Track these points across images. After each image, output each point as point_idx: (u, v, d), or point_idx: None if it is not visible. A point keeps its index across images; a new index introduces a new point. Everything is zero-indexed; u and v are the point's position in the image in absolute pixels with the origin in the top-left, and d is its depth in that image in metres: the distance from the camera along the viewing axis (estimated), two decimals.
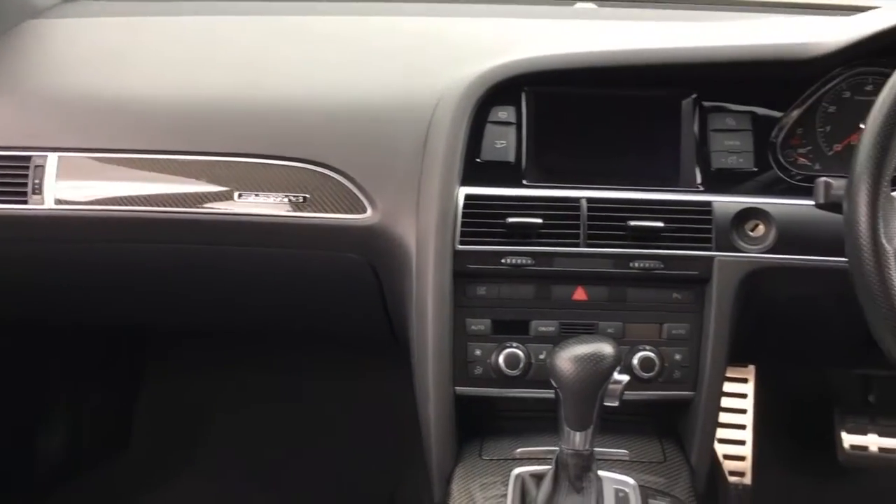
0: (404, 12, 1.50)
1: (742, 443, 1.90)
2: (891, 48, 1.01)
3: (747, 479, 1.88)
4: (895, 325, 0.86)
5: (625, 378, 1.01)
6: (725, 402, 1.90)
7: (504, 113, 1.20)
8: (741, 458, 1.89)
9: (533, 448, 1.15)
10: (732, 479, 1.87)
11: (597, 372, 0.97)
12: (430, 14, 1.50)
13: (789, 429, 1.96)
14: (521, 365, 1.16)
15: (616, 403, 1.01)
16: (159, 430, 2.03)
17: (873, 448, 1.76)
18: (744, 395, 1.91)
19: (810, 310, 1.25)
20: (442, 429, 1.15)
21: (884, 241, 0.87)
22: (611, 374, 0.99)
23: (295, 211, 1.21)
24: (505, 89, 1.20)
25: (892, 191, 0.91)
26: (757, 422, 1.90)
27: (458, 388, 1.17)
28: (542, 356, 1.15)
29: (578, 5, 1.65)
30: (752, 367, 1.90)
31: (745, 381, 1.91)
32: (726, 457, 1.89)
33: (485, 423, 1.24)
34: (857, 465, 1.78)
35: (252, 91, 1.28)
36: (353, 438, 1.92)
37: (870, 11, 1.24)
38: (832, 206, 0.96)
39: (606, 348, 0.98)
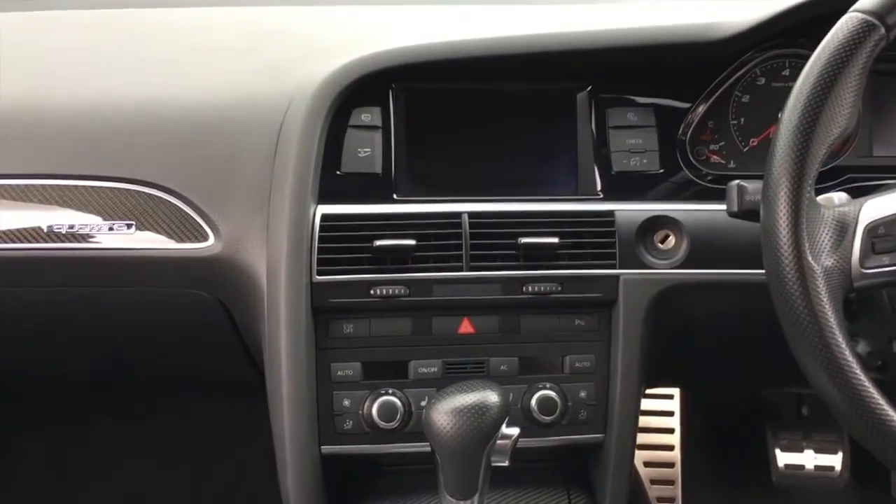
0: (247, 1, 1.32)
1: (671, 465, 1.77)
2: (810, 26, 0.91)
3: None
4: (824, 356, 0.72)
5: (515, 431, 0.90)
6: (651, 421, 1.78)
7: (368, 115, 1.05)
8: (670, 483, 1.76)
9: None
10: None
11: (480, 427, 0.85)
12: (278, 3, 1.32)
13: (719, 448, 1.84)
14: (400, 415, 1.00)
15: (506, 463, 0.90)
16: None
17: (809, 466, 1.64)
18: (671, 413, 1.78)
19: (733, 329, 1.12)
20: (304, 501, 0.97)
21: (809, 257, 0.74)
22: (498, 428, 0.87)
23: (119, 243, 1.02)
24: (368, 87, 1.05)
25: (818, 194, 0.78)
26: (685, 442, 1.78)
27: (325, 448, 1.01)
28: (423, 403, 0.99)
29: None
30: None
31: (670, 397, 1.78)
32: (653, 482, 1.76)
33: (361, 482, 1.09)
34: (793, 484, 1.67)
35: (56, 95, 1.09)
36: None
37: None
38: (748, 213, 0.86)
39: (492, 397, 0.87)
